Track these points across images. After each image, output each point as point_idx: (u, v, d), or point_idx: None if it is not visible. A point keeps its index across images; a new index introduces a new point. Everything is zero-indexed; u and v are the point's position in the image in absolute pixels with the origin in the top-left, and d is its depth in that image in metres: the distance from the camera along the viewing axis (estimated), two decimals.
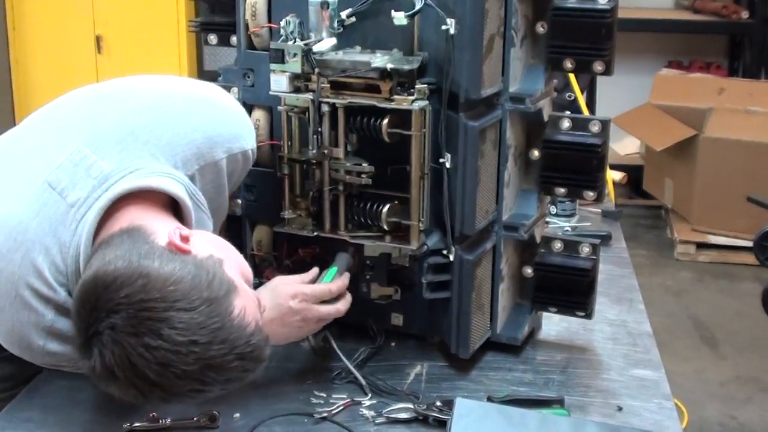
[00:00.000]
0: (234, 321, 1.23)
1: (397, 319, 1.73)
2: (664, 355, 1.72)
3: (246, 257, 1.62)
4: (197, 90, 1.54)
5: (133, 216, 1.35)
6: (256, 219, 1.80)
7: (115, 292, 1.19)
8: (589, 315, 1.71)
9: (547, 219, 2.30)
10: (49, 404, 1.53)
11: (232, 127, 1.52)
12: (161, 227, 1.31)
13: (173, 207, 1.42)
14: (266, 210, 1.74)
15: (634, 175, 4.91)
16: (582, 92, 2.98)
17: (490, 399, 1.51)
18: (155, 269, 1.22)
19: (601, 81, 4.12)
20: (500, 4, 1.54)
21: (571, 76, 2.75)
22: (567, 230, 2.27)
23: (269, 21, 1.67)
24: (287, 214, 1.66)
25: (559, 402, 1.51)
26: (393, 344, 1.73)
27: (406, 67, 1.51)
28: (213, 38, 1.80)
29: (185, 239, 1.28)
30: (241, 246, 1.71)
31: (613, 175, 2.58)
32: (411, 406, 1.49)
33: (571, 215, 2.35)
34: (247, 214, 1.80)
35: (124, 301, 1.19)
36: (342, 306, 1.57)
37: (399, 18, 1.50)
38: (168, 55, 4.77)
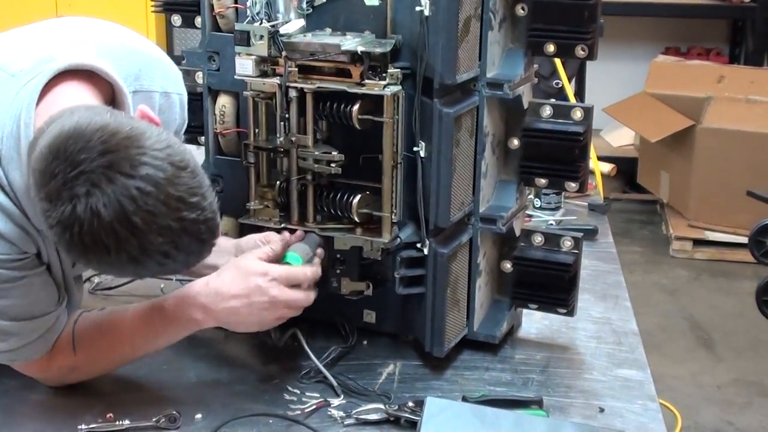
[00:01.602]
0: (208, 191, 1.29)
1: (370, 316, 1.75)
2: (658, 357, 1.75)
3: None
4: (136, 33, 1.66)
5: (76, 96, 1.39)
6: (221, 210, 1.79)
7: (111, 135, 1.22)
8: (570, 312, 1.73)
9: (531, 212, 2.33)
10: None
11: (171, 69, 1.63)
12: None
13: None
14: (232, 201, 1.75)
15: (627, 168, 4.95)
16: (570, 80, 3.01)
17: (465, 399, 1.53)
18: (144, 127, 1.27)
19: (592, 68, 4.15)
20: None
21: (558, 63, 2.77)
22: (551, 224, 2.30)
23: (235, 1, 1.68)
24: (253, 204, 1.67)
25: (538, 403, 1.53)
26: (365, 342, 1.75)
27: (378, 50, 1.52)
28: (177, 19, 1.82)
29: None
30: None
31: (601, 167, 2.61)
32: (382, 406, 1.51)
33: (556, 208, 2.38)
34: None
35: (123, 143, 1.22)
36: (313, 295, 1.57)
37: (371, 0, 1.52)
38: None
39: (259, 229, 1.69)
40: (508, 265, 1.74)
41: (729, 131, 4.60)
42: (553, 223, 2.31)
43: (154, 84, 1.58)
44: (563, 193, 2.40)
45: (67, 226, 1.22)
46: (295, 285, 1.54)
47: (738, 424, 3.35)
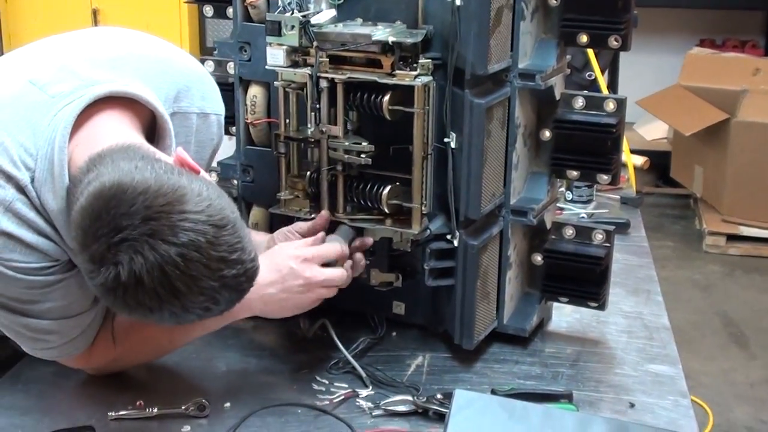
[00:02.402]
0: (248, 242, 1.29)
1: (399, 308, 1.75)
2: (690, 354, 1.73)
3: None
4: (178, 48, 1.64)
5: (114, 125, 1.40)
6: (252, 200, 1.82)
7: (153, 199, 1.22)
8: (601, 306, 1.72)
9: (562, 205, 2.32)
10: (32, 390, 1.56)
11: (209, 87, 1.61)
12: (154, 149, 1.38)
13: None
14: (263, 191, 1.76)
15: (661, 161, 4.91)
16: (603, 72, 2.98)
17: (494, 392, 1.53)
18: (186, 184, 1.26)
19: (625, 61, 4.11)
20: None
21: (591, 55, 2.75)
22: (583, 217, 2.28)
23: None
24: (284, 195, 1.67)
25: (567, 397, 1.52)
26: (394, 334, 1.75)
27: (409, 40, 1.52)
28: (209, 10, 1.82)
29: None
30: None
31: (634, 160, 2.59)
32: (410, 398, 1.51)
33: (588, 201, 2.36)
34: (243, 195, 1.82)
35: (164, 209, 1.22)
36: (349, 270, 1.57)
37: None
38: (168, 30, 4.77)
39: (290, 220, 1.70)
40: (538, 258, 1.73)
41: (764, 125, 4.56)
42: (585, 216, 2.29)
43: (193, 105, 1.57)
44: (595, 186, 2.38)
45: (110, 289, 1.23)
46: (327, 264, 1.55)
47: None
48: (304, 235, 1.63)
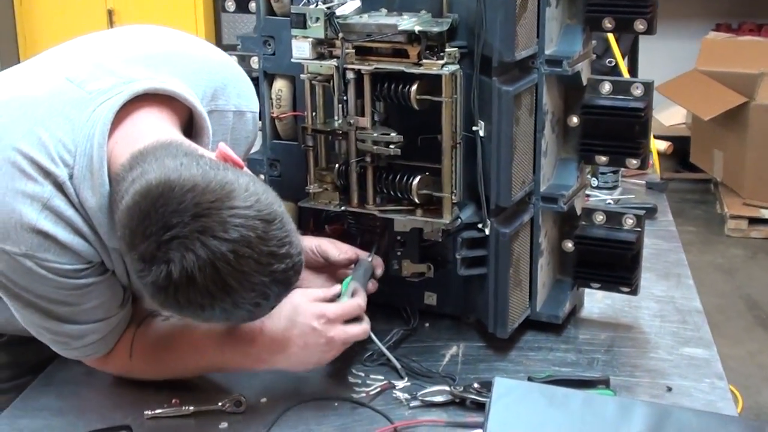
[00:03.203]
0: (295, 236, 1.30)
1: (431, 299, 1.74)
2: (716, 338, 1.71)
3: None
4: (213, 46, 1.65)
5: (154, 122, 1.39)
6: (280, 195, 1.80)
7: (202, 195, 1.22)
8: (634, 291, 1.71)
9: (588, 192, 2.30)
10: (64, 391, 1.56)
11: (244, 85, 1.60)
12: (197, 145, 1.38)
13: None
14: (290, 185, 1.75)
15: (680, 146, 4.86)
16: (623, 57, 2.96)
17: (530, 380, 1.51)
18: (233, 179, 1.26)
19: (644, 46, 4.09)
20: None
21: (612, 41, 2.73)
22: (609, 203, 2.27)
23: None
24: (312, 188, 1.66)
25: (605, 382, 1.51)
26: (427, 325, 1.74)
27: (435, 29, 1.51)
28: (231, 4, 1.81)
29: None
30: None
31: (658, 145, 2.57)
32: (447, 388, 1.50)
33: (614, 187, 2.35)
34: None
35: (214, 205, 1.22)
36: (367, 324, 1.53)
37: None
38: (184, 27, 4.76)
39: (319, 213, 1.69)
40: (569, 245, 1.72)
41: None
42: (612, 202, 2.28)
43: (229, 103, 1.56)
44: (620, 172, 2.37)
45: (161, 287, 1.23)
46: (350, 320, 1.51)
47: None
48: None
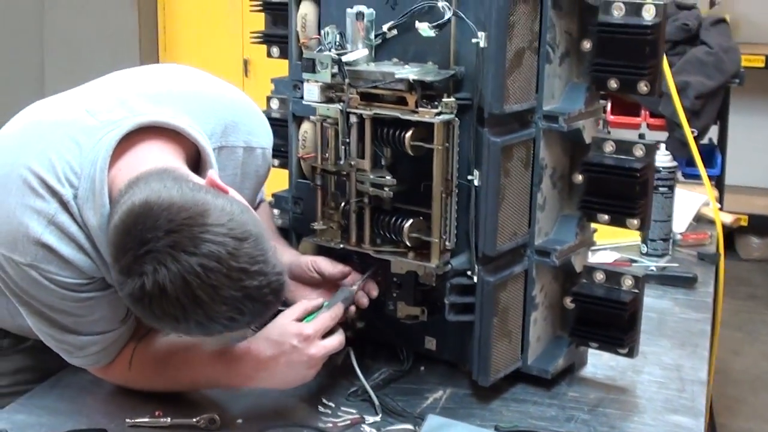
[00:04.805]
0: (271, 256, 1.36)
1: (431, 343, 1.76)
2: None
3: None
4: (230, 86, 1.74)
5: (156, 153, 1.49)
6: (301, 231, 1.88)
7: (176, 214, 1.31)
8: (630, 353, 1.68)
9: (635, 258, 2.28)
10: (65, 394, 1.66)
11: (257, 122, 1.71)
12: (189, 171, 1.47)
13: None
14: (310, 222, 1.81)
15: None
16: (707, 130, 2.89)
17: (496, 429, 1.52)
18: (210, 200, 1.35)
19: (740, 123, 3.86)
20: (533, 18, 1.56)
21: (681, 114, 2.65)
22: (651, 269, 2.23)
23: (318, 33, 1.75)
24: (318, 225, 1.72)
25: None
26: (422, 368, 1.76)
27: (429, 78, 1.55)
28: (275, 51, 1.90)
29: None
30: None
31: (723, 218, 2.50)
32: (411, 427, 1.52)
33: (662, 255, 2.31)
34: (293, 226, 1.89)
35: (186, 222, 1.31)
36: (341, 335, 1.60)
37: (424, 29, 1.55)
38: None
39: (328, 251, 1.75)
40: (569, 301, 1.71)
41: None
42: (654, 269, 2.24)
43: (239, 140, 1.67)
44: (671, 241, 2.33)
45: (137, 299, 1.33)
46: (327, 333, 1.59)
47: None
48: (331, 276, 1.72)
